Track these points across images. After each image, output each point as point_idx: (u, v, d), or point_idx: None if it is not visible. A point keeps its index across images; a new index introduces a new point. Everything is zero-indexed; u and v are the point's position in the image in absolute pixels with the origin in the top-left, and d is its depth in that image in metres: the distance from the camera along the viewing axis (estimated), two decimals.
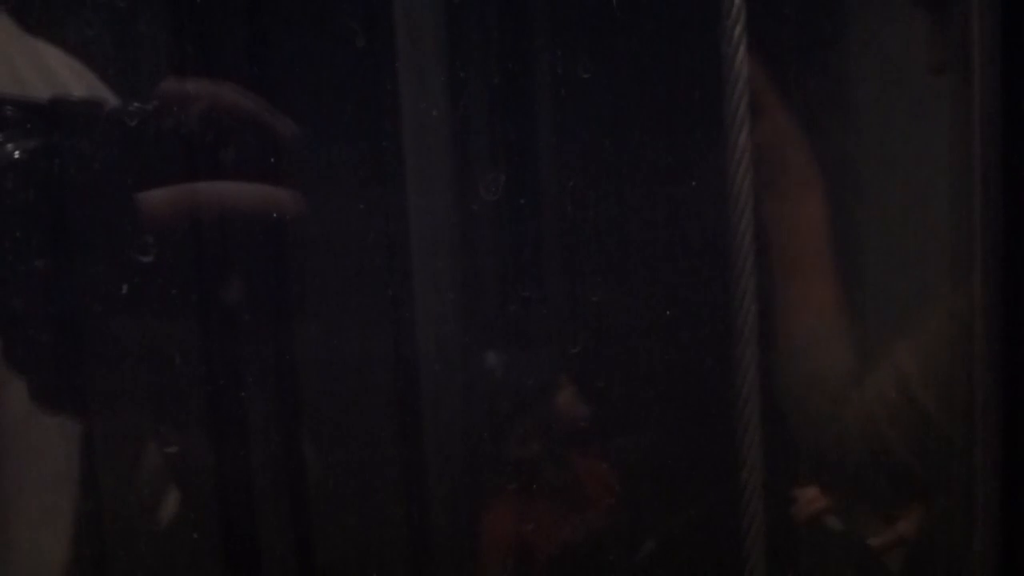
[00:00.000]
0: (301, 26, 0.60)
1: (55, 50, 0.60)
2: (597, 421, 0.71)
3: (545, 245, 0.67)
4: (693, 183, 0.65)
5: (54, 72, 0.60)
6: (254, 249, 0.49)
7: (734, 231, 0.58)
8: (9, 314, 0.47)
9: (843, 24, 0.76)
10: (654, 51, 0.66)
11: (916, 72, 0.77)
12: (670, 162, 0.67)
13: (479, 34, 0.63)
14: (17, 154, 0.46)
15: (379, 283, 0.62)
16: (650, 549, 0.78)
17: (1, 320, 0.47)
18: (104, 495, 0.55)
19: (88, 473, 0.54)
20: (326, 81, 0.60)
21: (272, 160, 0.49)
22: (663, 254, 0.67)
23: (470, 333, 0.66)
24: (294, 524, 0.61)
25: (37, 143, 0.46)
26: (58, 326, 0.47)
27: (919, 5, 0.75)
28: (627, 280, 0.66)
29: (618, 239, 0.67)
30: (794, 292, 0.76)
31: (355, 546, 0.67)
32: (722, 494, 0.65)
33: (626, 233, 0.67)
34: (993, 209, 0.65)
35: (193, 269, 0.48)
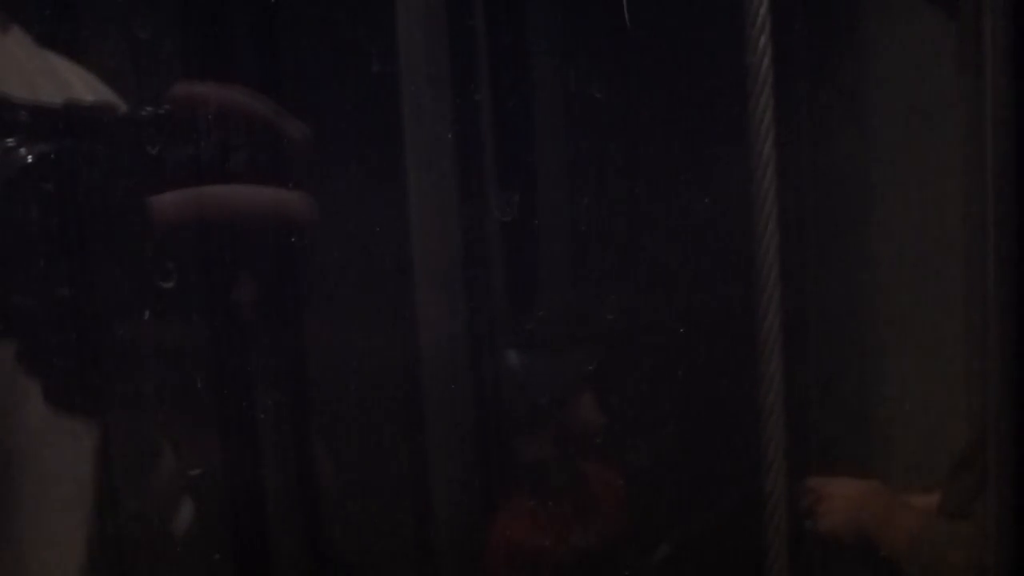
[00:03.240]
0: (310, 34, 0.60)
1: (68, 63, 0.60)
2: (620, 426, 0.71)
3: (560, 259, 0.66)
4: (720, 191, 0.65)
5: (68, 84, 0.60)
6: (266, 252, 0.49)
7: (760, 239, 0.57)
8: (22, 316, 0.47)
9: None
10: (675, 60, 0.65)
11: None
12: (697, 172, 0.67)
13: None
14: (30, 158, 0.46)
15: (387, 289, 0.62)
16: (667, 553, 0.77)
17: (15, 322, 0.47)
18: (120, 502, 0.55)
19: (104, 479, 0.54)
20: (335, 85, 0.60)
21: (283, 163, 0.49)
22: (691, 260, 0.66)
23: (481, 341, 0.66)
24: (306, 529, 0.61)
25: (50, 147, 0.46)
26: (70, 328, 0.47)
27: (942, 5, 0.75)
28: (651, 285, 0.65)
29: (644, 247, 0.66)
30: None
31: (364, 549, 0.66)
32: (746, 498, 0.64)
33: (652, 241, 0.66)
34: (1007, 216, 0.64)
35: (205, 272, 0.48)
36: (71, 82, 0.59)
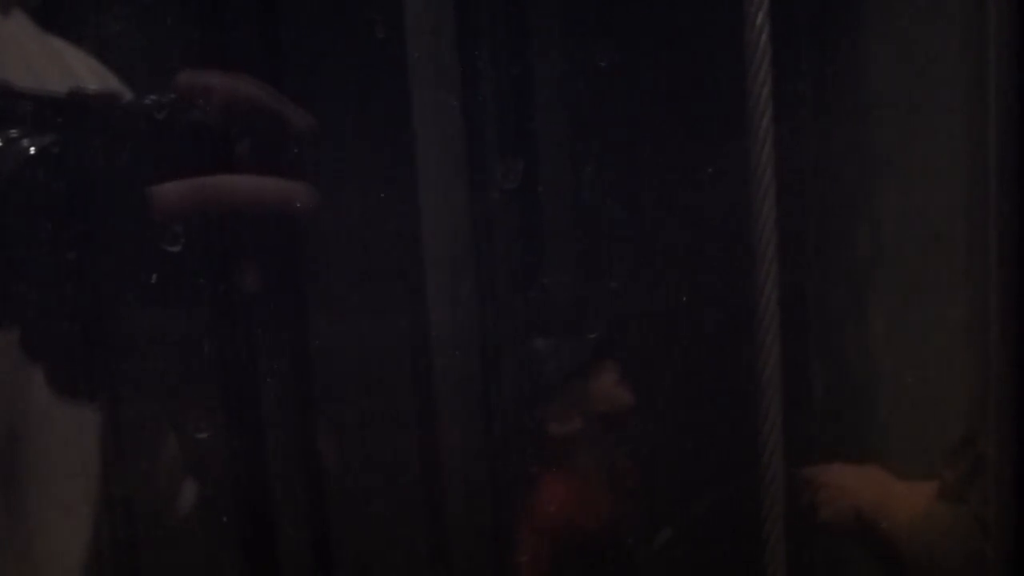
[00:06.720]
0: (316, 18, 0.60)
1: (73, 48, 0.60)
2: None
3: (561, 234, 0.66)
4: (714, 169, 0.65)
5: (72, 69, 0.60)
6: (269, 240, 0.49)
7: (757, 217, 0.57)
8: (26, 303, 0.47)
9: None
10: (673, 36, 0.65)
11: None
12: (693, 149, 0.66)
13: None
14: (33, 149, 0.46)
15: (396, 272, 0.62)
16: (669, 535, 0.77)
17: (18, 309, 0.47)
18: (124, 484, 0.55)
19: (107, 462, 0.55)
20: (341, 73, 0.60)
21: (288, 153, 0.49)
22: (685, 243, 0.66)
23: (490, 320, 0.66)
24: (311, 513, 0.61)
25: (53, 137, 0.46)
26: (73, 315, 0.48)
27: None
28: (648, 268, 0.65)
29: (640, 229, 0.66)
30: None
31: (374, 535, 0.67)
32: (743, 481, 0.64)
33: (648, 222, 0.66)
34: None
35: (210, 259, 0.48)
36: (74, 67, 0.60)
